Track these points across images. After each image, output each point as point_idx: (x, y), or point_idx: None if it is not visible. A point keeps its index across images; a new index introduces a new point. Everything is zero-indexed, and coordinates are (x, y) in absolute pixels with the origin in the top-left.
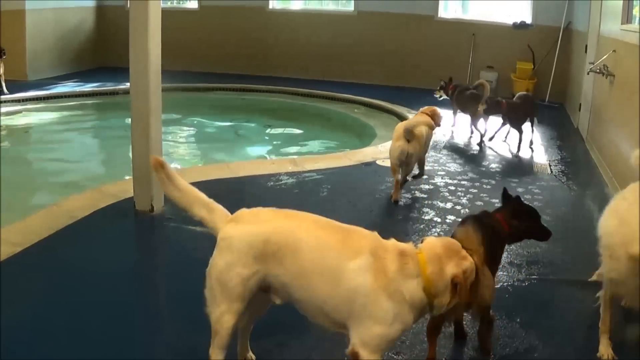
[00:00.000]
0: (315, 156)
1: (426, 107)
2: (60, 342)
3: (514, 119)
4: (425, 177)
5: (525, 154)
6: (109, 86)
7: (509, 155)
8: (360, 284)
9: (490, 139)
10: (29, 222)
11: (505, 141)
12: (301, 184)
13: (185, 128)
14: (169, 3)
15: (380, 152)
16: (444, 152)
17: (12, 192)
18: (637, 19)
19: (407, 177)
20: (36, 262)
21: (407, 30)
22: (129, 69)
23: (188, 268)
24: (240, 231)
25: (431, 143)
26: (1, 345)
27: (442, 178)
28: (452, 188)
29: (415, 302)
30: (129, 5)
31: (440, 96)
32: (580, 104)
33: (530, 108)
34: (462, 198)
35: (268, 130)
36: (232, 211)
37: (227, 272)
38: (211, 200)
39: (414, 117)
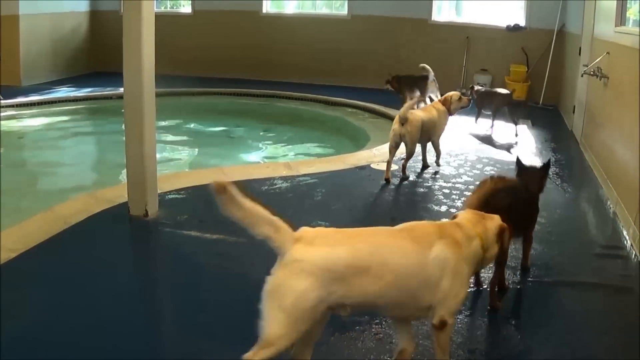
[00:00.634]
0: (310, 160)
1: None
2: (55, 348)
3: (485, 106)
4: (440, 167)
5: (518, 155)
6: (103, 91)
7: (504, 158)
8: (445, 265)
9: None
10: (24, 227)
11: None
12: (295, 187)
13: (179, 132)
14: (162, 7)
15: (375, 155)
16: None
17: (6, 197)
18: (631, 21)
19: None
20: (31, 268)
21: (400, 33)
22: (122, 74)
23: (183, 273)
24: (316, 254)
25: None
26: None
27: (436, 181)
28: (447, 191)
29: (478, 259)
30: (122, 11)
31: (388, 88)
32: (574, 106)
33: (501, 101)
34: (456, 201)
35: (262, 134)
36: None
37: (303, 296)
38: (276, 218)
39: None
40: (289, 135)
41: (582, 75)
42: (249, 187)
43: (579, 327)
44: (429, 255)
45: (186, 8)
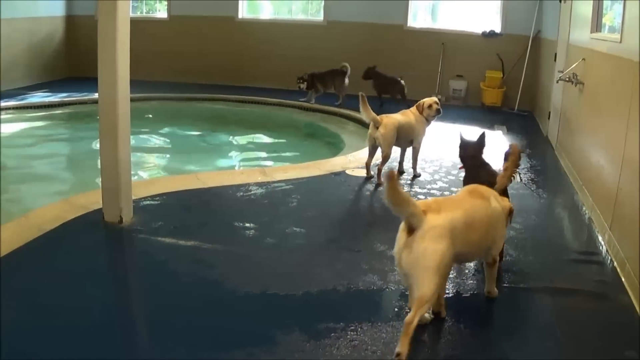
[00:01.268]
0: (285, 166)
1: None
2: (27, 356)
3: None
4: (417, 173)
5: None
6: (79, 96)
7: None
8: (498, 214)
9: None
10: None
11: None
12: (271, 194)
13: (154, 138)
14: (138, 13)
15: (350, 161)
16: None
17: None
18: (607, 27)
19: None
20: (3, 275)
21: (376, 39)
22: (97, 79)
23: (158, 280)
24: (445, 220)
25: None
26: None
27: (412, 187)
28: (422, 197)
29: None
30: (97, 16)
31: (300, 87)
32: (549, 113)
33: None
34: None
35: (237, 140)
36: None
37: (445, 254)
38: (413, 199)
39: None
40: (264, 141)
41: (557, 82)
42: (225, 193)
43: (554, 332)
44: (490, 207)
45: (162, 13)
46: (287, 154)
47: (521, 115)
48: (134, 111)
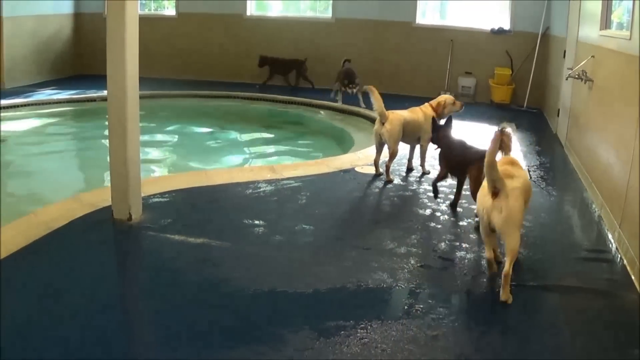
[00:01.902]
0: (294, 163)
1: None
2: (36, 355)
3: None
4: (426, 170)
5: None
6: (87, 93)
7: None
8: (528, 181)
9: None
10: (5, 231)
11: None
12: (280, 191)
13: (163, 135)
14: (146, 10)
15: (359, 158)
16: (415, 156)
17: None
18: (615, 24)
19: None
20: (12, 273)
21: (385, 36)
22: (106, 76)
23: (166, 277)
24: (518, 183)
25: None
26: None
27: (420, 185)
28: (431, 194)
29: None
30: (106, 13)
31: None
32: (558, 110)
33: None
34: (441, 205)
35: (246, 137)
36: (213, 218)
37: (523, 211)
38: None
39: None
40: (273, 138)
41: (566, 79)
42: (234, 191)
43: (562, 331)
44: (527, 176)
45: (170, 11)
46: (297, 151)
47: (530, 112)
48: (142, 108)
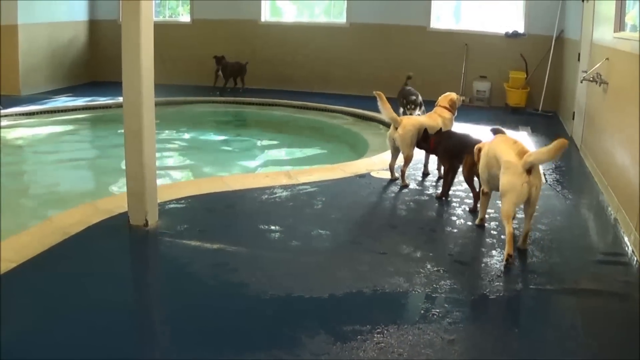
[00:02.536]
0: (309, 169)
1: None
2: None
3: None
4: (442, 178)
5: None
6: (102, 100)
7: None
8: None
9: None
10: (22, 238)
11: None
12: (295, 196)
13: (179, 142)
14: (161, 17)
15: (374, 163)
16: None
17: (4, 207)
18: (629, 26)
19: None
20: (29, 279)
21: (399, 41)
22: (121, 83)
23: (182, 282)
24: (521, 161)
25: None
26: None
27: (437, 189)
28: (447, 199)
29: None
30: (121, 20)
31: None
32: (573, 113)
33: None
34: (457, 209)
35: (262, 143)
36: (229, 223)
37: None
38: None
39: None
40: (288, 144)
41: (581, 82)
42: (250, 197)
43: (578, 334)
44: None
45: (185, 17)
46: (312, 156)
47: (545, 115)
48: (158, 115)
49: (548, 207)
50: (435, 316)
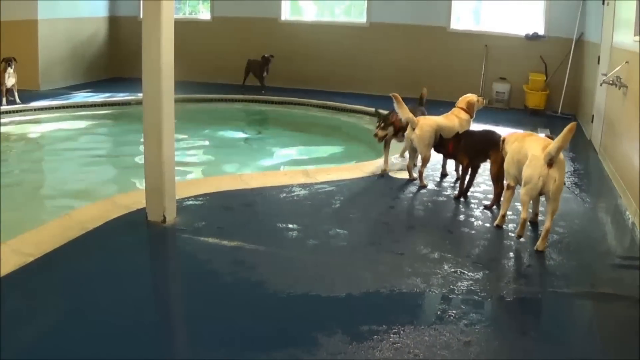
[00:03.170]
0: (328, 168)
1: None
2: (69, 355)
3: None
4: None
5: None
6: (122, 96)
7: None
8: None
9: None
10: (41, 232)
11: None
12: (313, 195)
13: (197, 139)
14: (181, 14)
15: (393, 163)
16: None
17: (23, 202)
18: None
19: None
20: (48, 273)
21: (419, 41)
22: (141, 80)
23: (199, 279)
24: (562, 157)
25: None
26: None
27: (454, 190)
28: (466, 199)
29: None
30: (142, 16)
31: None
32: (592, 116)
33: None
34: (475, 210)
35: (280, 142)
36: (247, 221)
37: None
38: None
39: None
40: (307, 143)
41: (601, 85)
42: (268, 195)
43: (594, 338)
44: None
45: (205, 14)
46: (330, 155)
47: (564, 118)
48: (177, 112)
49: (566, 210)
50: (452, 317)
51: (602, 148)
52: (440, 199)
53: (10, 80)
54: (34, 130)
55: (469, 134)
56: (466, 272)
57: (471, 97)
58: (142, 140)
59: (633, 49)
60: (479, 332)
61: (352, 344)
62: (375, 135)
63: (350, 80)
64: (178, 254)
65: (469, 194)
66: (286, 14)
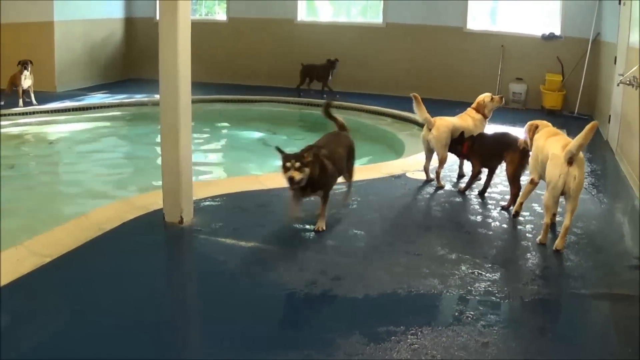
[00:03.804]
0: None
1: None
2: (84, 355)
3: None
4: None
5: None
6: (138, 98)
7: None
8: None
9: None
10: (57, 233)
11: None
12: (331, 196)
13: (214, 140)
14: (197, 15)
15: (410, 164)
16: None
17: (40, 203)
18: None
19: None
20: (64, 274)
21: (435, 42)
22: (157, 81)
23: (216, 280)
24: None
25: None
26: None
27: (472, 191)
28: (482, 201)
29: None
30: (157, 18)
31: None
32: (609, 116)
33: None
34: (492, 211)
35: (297, 142)
36: (264, 222)
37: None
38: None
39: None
40: None
41: (617, 85)
42: (285, 196)
43: (613, 339)
44: None
45: (221, 15)
46: None
47: (581, 118)
48: (194, 113)
49: (583, 211)
50: (469, 318)
51: (619, 148)
52: (458, 199)
53: (26, 82)
54: (50, 132)
55: (482, 137)
56: (484, 273)
57: (482, 97)
58: (158, 141)
59: None
60: (497, 333)
61: (369, 345)
62: (291, 179)
63: (367, 81)
64: (195, 254)
65: (485, 195)
66: (302, 14)
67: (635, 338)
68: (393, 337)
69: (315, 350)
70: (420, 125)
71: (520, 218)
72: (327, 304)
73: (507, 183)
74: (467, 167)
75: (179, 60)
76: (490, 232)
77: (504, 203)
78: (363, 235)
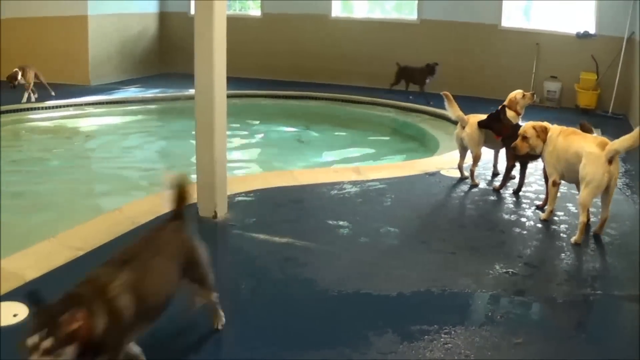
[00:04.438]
0: (379, 165)
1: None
2: None
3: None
4: (512, 178)
5: None
6: (172, 92)
7: None
8: None
9: None
10: (91, 226)
11: None
12: (364, 193)
13: (249, 135)
14: (232, 10)
15: (445, 161)
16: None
17: (73, 196)
18: None
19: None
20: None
21: (470, 39)
22: (191, 75)
23: (249, 275)
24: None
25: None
26: None
27: (506, 189)
28: (517, 200)
29: None
30: (192, 12)
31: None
32: None
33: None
34: (527, 210)
35: (331, 139)
36: (297, 218)
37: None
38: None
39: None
40: (358, 140)
41: None
42: (318, 191)
43: None
44: None
45: (255, 11)
46: (381, 152)
47: (615, 118)
48: (228, 108)
49: (617, 211)
50: (502, 318)
51: None
52: (492, 198)
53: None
54: (84, 125)
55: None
56: (517, 273)
57: (514, 94)
58: (192, 135)
59: None
60: (529, 334)
61: (402, 343)
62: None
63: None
64: (229, 249)
65: (520, 193)
66: (337, 10)
67: None
68: (426, 336)
69: (348, 347)
70: (453, 123)
71: (555, 218)
72: (360, 301)
73: (542, 182)
74: (502, 165)
75: (214, 55)
76: (525, 232)
77: (538, 202)
78: (397, 233)
